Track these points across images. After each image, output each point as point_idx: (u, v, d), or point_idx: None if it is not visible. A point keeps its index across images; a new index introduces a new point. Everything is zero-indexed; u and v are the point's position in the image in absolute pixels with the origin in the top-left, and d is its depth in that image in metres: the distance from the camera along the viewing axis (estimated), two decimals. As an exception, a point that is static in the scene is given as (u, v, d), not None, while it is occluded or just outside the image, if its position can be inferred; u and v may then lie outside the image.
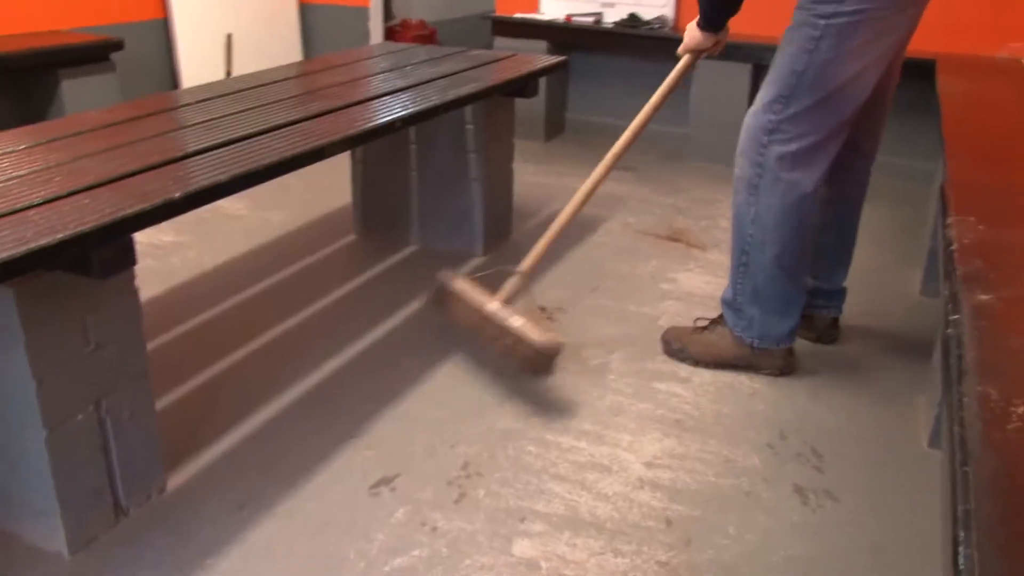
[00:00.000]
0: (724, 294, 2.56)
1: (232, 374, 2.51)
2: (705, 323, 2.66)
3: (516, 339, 2.31)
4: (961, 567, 0.86)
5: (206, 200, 1.81)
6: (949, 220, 1.80)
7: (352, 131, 2.24)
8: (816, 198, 2.35)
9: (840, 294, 2.74)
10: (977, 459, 1.03)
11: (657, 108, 2.61)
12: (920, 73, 3.55)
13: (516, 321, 2.31)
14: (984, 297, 1.43)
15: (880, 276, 3.24)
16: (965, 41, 4.09)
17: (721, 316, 2.60)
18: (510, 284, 2.53)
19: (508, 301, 2.46)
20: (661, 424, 2.30)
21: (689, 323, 2.74)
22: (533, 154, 4.67)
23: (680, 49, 2.58)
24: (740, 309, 2.50)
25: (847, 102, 2.24)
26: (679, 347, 2.63)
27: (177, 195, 1.73)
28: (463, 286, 2.50)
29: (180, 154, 2.01)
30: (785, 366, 2.56)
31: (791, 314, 2.48)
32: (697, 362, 2.60)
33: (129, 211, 1.62)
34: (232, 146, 2.08)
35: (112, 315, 1.77)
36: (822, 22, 2.16)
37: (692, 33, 2.52)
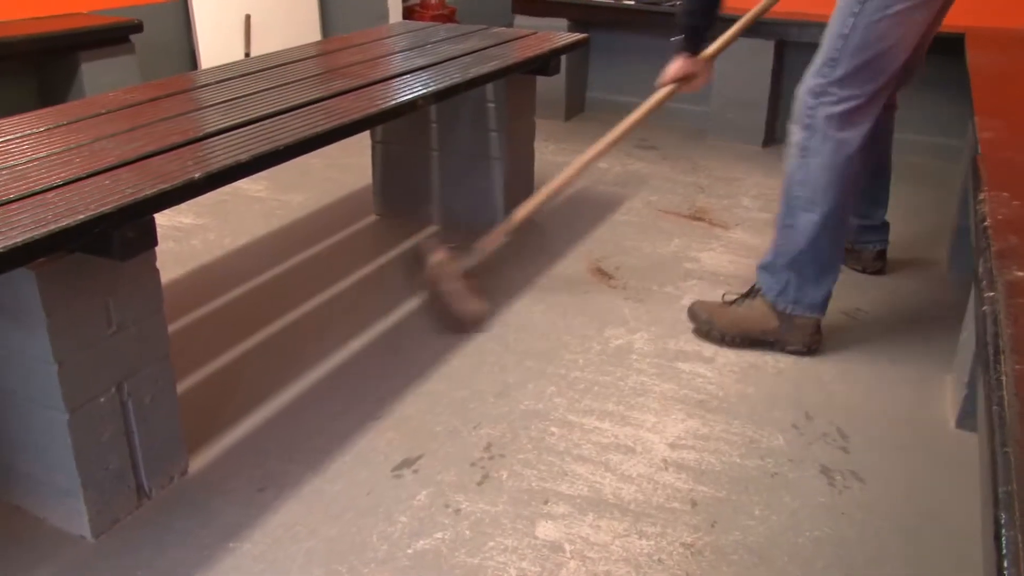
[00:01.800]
0: (763, 260, 2.58)
1: (253, 356, 2.50)
2: (733, 298, 2.66)
3: (446, 303, 2.62)
4: (1004, 551, 0.84)
5: (227, 180, 1.79)
6: (982, 196, 1.76)
7: (373, 110, 2.22)
8: (861, 158, 2.41)
9: (883, 228, 2.96)
10: (1017, 440, 1.00)
11: (625, 135, 2.80)
12: (946, 48, 3.48)
13: (452, 286, 2.63)
14: (1020, 273, 1.40)
15: (906, 253, 3.19)
16: (994, 14, 4.00)
17: (750, 291, 2.62)
18: (469, 256, 2.72)
19: (465, 271, 2.69)
20: (685, 404, 2.28)
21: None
22: (553, 133, 4.64)
23: (659, 80, 2.72)
24: (777, 272, 2.52)
25: (889, 64, 2.32)
26: (706, 319, 2.63)
27: (197, 175, 1.71)
28: (433, 254, 2.71)
29: (200, 134, 2.00)
30: (812, 342, 2.55)
31: (825, 282, 2.50)
32: (723, 336, 2.59)
33: (150, 192, 1.61)
34: (252, 126, 2.07)
35: (134, 296, 1.76)
36: None
37: (671, 64, 2.69)
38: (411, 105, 2.33)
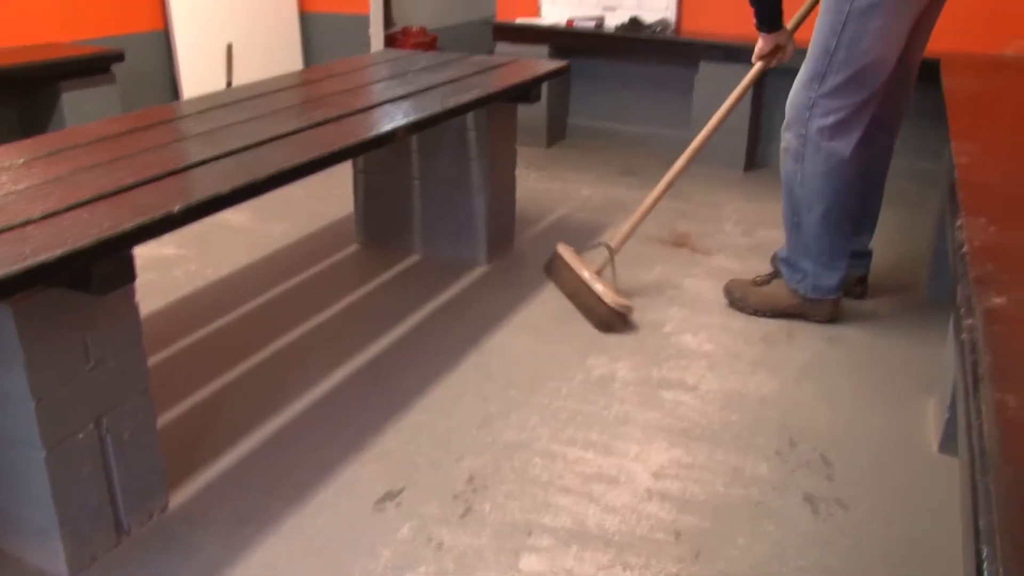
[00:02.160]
0: (780, 252, 2.91)
1: (235, 388, 2.49)
2: (762, 278, 2.98)
3: (596, 299, 2.80)
4: (986, 586, 0.84)
5: (206, 212, 1.78)
6: (959, 221, 1.77)
7: (353, 141, 2.22)
8: (852, 163, 2.63)
9: (866, 255, 3.05)
10: (998, 470, 1.00)
11: (726, 115, 3.02)
12: (923, 74, 3.52)
13: (598, 285, 2.81)
14: (998, 300, 1.40)
15: (886, 276, 3.22)
16: (969, 39, 4.05)
17: (775, 272, 2.95)
18: (600, 257, 2.98)
19: (598, 271, 2.91)
20: (668, 433, 2.28)
21: (694, 332, 2.81)
22: (535, 160, 4.65)
23: (754, 56, 2.89)
24: (795, 264, 2.83)
25: (874, 77, 2.53)
26: (740, 296, 2.96)
27: (176, 209, 1.70)
28: (569, 255, 3.02)
29: (180, 166, 1.99)
30: (833, 314, 2.87)
31: (838, 267, 2.78)
32: (756, 310, 2.93)
33: (128, 226, 1.60)
34: (232, 157, 2.07)
35: (112, 331, 1.74)
36: (847, 7, 2.45)
37: (759, 42, 2.85)
38: (391, 136, 2.33)
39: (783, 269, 2.89)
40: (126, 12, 4.79)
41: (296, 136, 2.26)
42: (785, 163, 2.74)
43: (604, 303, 2.78)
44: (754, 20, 2.74)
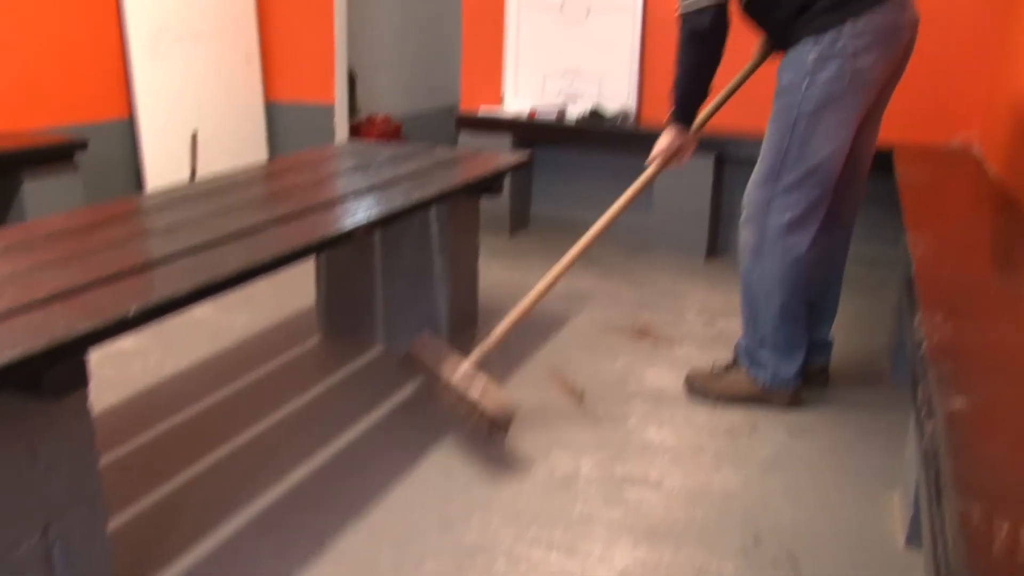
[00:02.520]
0: (739, 344, 2.95)
1: (193, 488, 2.42)
2: (722, 367, 3.00)
3: (472, 406, 2.51)
4: None
5: (163, 313, 1.76)
6: (918, 317, 1.79)
7: (315, 239, 2.21)
8: (809, 257, 2.71)
9: (826, 346, 3.06)
10: (963, 581, 0.99)
11: (618, 214, 2.93)
12: (878, 164, 3.63)
13: (475, 390, 2.51)
14: (958, 403, 1.41)
15: (848, 364, 3.24)
16: (920, 130, 4.19)
17: (735, 361, 2.98)
18: (476, 352, 2.69)
19: (473, 368, 2.63)
20: (633, 533, 2.24)
21: (657, 425, 2.80)
22: (498, 249, 4.68)
23: (654, 154, 2.86)
24: (754, 355, 2.88)
25: (826, 174, 2.63)
26: (701, 386, 2.98)
27: (132, 312, 1.68)
28: (433, 352, 2.72)
29: (139, 263, 1.97)
30: (794, 401, 2.91)
31: (796, 356, 2.84)
32: (717, 399, 2.94)
33: (82, 330, 1.57)
34: (191, 256, 2.05)
35: (64, 436, 1.70)
36: (795, 110, 2.58)
37: (661, 139, 2.84)
38: (353, 234, 2.33)
39: (743, 359, 2.94)
40: (92, 100, 4.81)
41: (258, 233, 2.25)
42: (743, 258, 2.81)
43: (483, 411, 2.48)
44: (671, 112, 2.77)
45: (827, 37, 2.49)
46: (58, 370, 1.54)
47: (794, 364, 2.84)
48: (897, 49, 2.57)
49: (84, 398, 1.72)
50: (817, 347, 3.00)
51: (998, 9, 4.00)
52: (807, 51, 2.53)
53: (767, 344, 2.83)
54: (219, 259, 2.02)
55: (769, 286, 2.75)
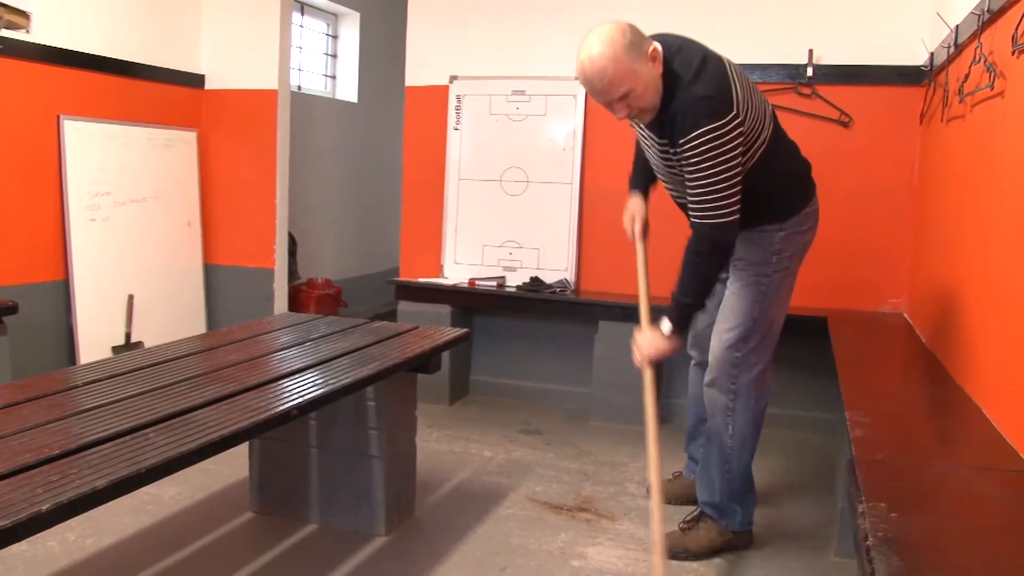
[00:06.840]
0: (708, 499, 3.06)
1: None
2: (688, 525, 3.09)
3: None
4: None
5: (80, 510, 1.68)
6: (861, 508, 1.77)
7: (246, 423, 2.16)
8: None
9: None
10: None
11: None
12: (814, 329, 3.77)
13: None
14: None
15: (795, 531, 3.25)
16: (853, 299, 4.34)
17: (700, 516, 3.08)
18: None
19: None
20: None
21: None
22: (438, 418, 4.62)
23: (642, 362, 2.81)
24: (725, 508, 3.03)
25: (779, 327, 2.99)
26: (683, 549, 3.02)
27: (45, 507, 1.60)
28: None
29: (57, 452, 1.89)
30: (751, 540, 3.12)
31: (754, 494, 3.11)
32: (698, 555, 3.03)
33: (-12, 531, 1.49)
34: (115, 442, 1.98)
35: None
36: (765, 280, 2.88)
37: (657, 343, 2.77)
38: (285, 417, 2.28)
39: (713, 514, 3.05)
40: (26, 261, 4.73)
41: (186, 416, 2.19)
42: (713, 417, 3.00)
43: None
44: (674, 320, 2.73)
45: (791, 221, 2.88)
46: (-41, 577, 1.44)
47: (754, 502, 3.09)
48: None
49: (-13, 604, 1.61)
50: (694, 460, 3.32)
51: (916, 189, 4.20)
52: (773, 230, 2.87)
53: (737, 495, 3.01)
54: (144, 446, 1.95)
55: (742, 440, 2.96)
